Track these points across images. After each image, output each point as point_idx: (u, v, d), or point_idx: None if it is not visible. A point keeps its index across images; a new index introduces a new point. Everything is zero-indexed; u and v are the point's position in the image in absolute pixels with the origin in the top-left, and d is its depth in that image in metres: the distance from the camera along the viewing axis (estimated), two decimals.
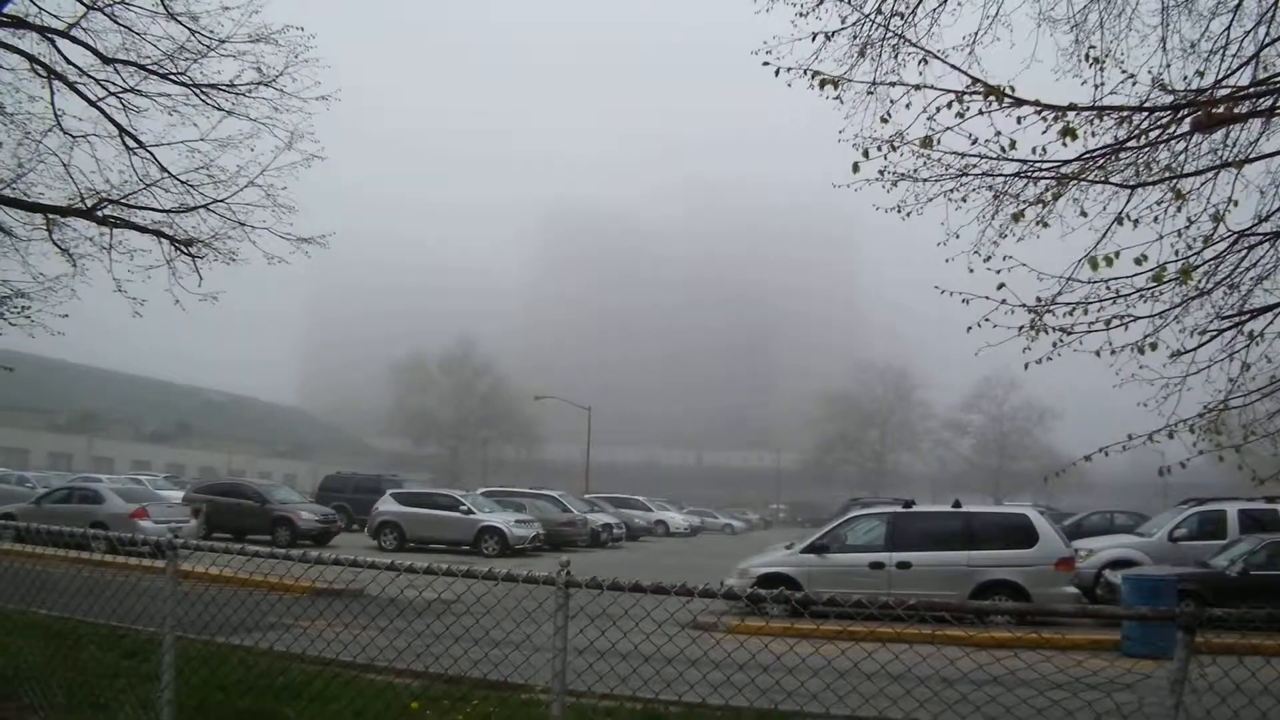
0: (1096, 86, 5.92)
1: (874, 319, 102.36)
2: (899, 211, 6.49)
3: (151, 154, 11.50)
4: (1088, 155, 5.74)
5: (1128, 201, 5.95)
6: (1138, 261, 5.55)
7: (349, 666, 5.83)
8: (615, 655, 4.45)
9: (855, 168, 5.79)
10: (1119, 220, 5.93)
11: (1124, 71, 5.95)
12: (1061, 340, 5.73)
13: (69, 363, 63.61)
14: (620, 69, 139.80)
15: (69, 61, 10.95)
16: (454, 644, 4.79)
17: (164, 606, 4.59)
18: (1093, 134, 5.72)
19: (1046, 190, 5.94)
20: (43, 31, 10.72)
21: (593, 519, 28.20)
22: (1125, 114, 5.68)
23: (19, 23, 10.65)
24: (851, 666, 4.27)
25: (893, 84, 5.92)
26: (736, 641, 8.07)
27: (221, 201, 11.60)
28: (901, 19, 6.24)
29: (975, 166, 5.95)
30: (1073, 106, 5.54)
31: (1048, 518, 12.98)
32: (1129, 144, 5.73)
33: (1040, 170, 5.85)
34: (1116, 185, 5.95)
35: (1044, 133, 5.57)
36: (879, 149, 5.84)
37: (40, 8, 10.69)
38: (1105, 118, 5.66)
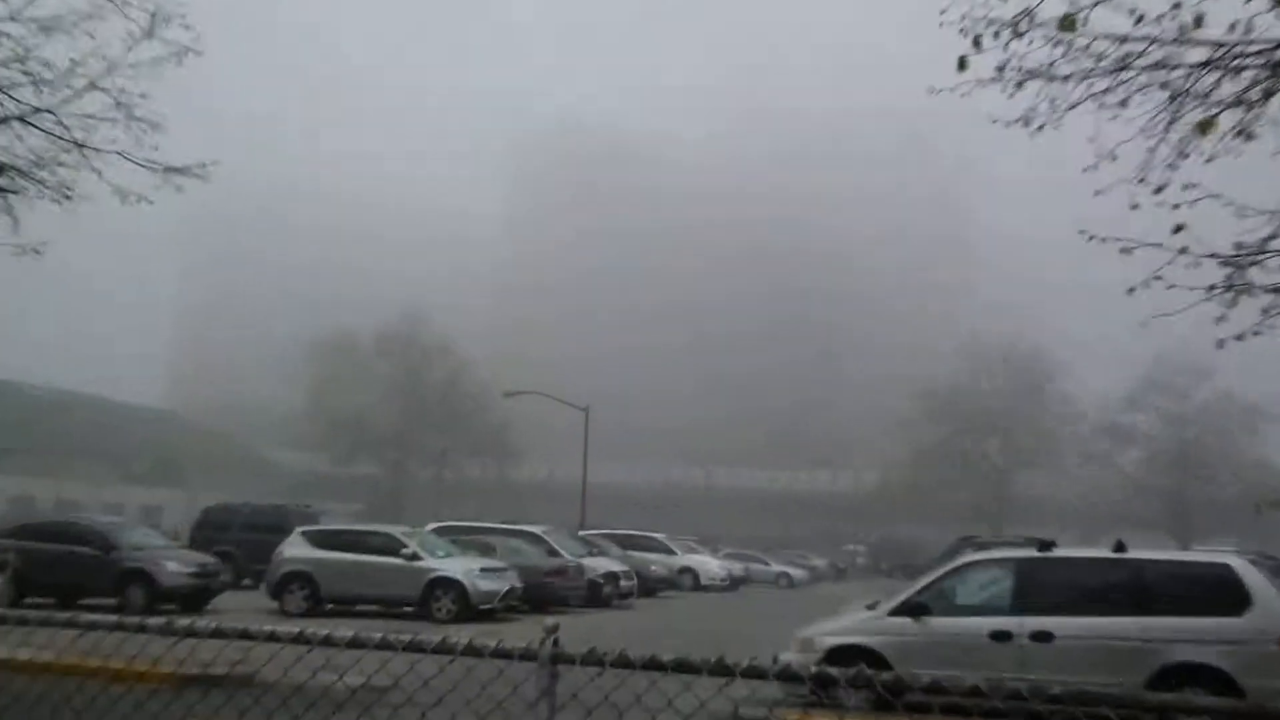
0: None
1: (990, 282, 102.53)
2: (1026, 125, 6.33)
3: None
4: None
5: None
6: None
7: None
8: None
9: (962, 63, 5.63)
10: None
11: None
12: (1277, 306, 5.59)
13: None
14: None
15: None
16: None
17: None
18: None
19: (1252, 86, 5.77)
20: None
21: (591, 565, 28.28)
22: None
23: None
24: None
25: None
26: None
27: (47, 111, 11.40)
28: None
29: (1141, 56, 5.78)
30: None
31: (1265, 570, 12.58)
32: None
33: (1243, 56, 5.68)
34: None
35: (1248, 1, 5.39)
36: (996, 35, 5.68)
37: None
38: None
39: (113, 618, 4.73)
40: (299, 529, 23.81)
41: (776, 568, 52.09)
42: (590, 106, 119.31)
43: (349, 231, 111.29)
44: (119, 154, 11.63)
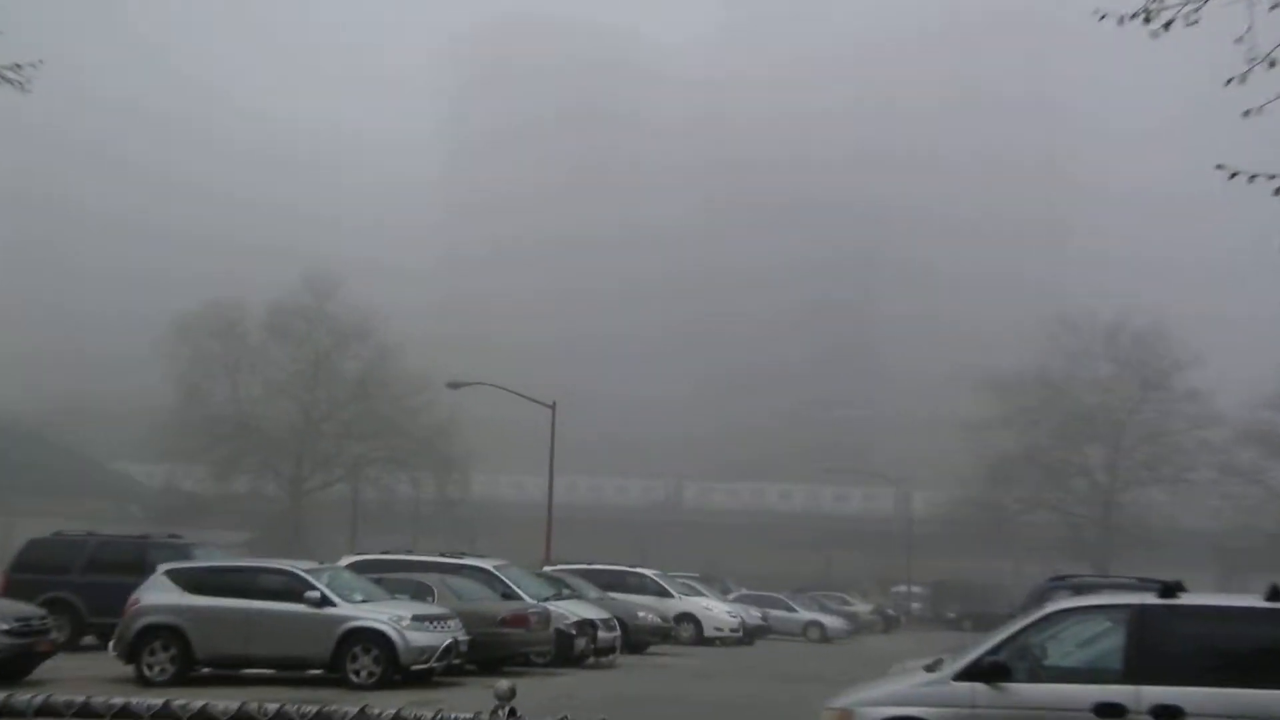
0: None
1: (1089, 240, 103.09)
2: (1147, 21, 6.20)
3: None
4: None
5: None
6: None
7: None
8: None
9: None
10: None
11: None
12: None
13: None
14: None
15: None
16: None
17: None
18: None
19: None
20: None
21: (560, 611, 28.33)
22: None
23: None
24: None
25: None
26: None
27: None
28: None
29: None
30: None
31: None
32: None
33: None
34: None
35: None
36: None
37: None
38: None
39: None
40: (163, 567, 23.64)
41: (805, 615, 52.54)
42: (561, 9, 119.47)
43: (235, 180, 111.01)
44: None
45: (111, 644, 23.05)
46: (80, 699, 4.37)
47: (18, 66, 11.88)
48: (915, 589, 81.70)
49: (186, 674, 21.81)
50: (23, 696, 4.40)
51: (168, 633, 22.08)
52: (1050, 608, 13.79)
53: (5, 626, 21.10)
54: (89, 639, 26.90)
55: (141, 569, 24.60)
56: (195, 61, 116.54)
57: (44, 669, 21.89)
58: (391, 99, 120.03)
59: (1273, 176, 5.80)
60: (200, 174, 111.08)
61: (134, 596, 22.82)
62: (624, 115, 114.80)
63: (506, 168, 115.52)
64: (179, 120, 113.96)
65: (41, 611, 23.08)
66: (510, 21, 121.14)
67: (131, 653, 22.11)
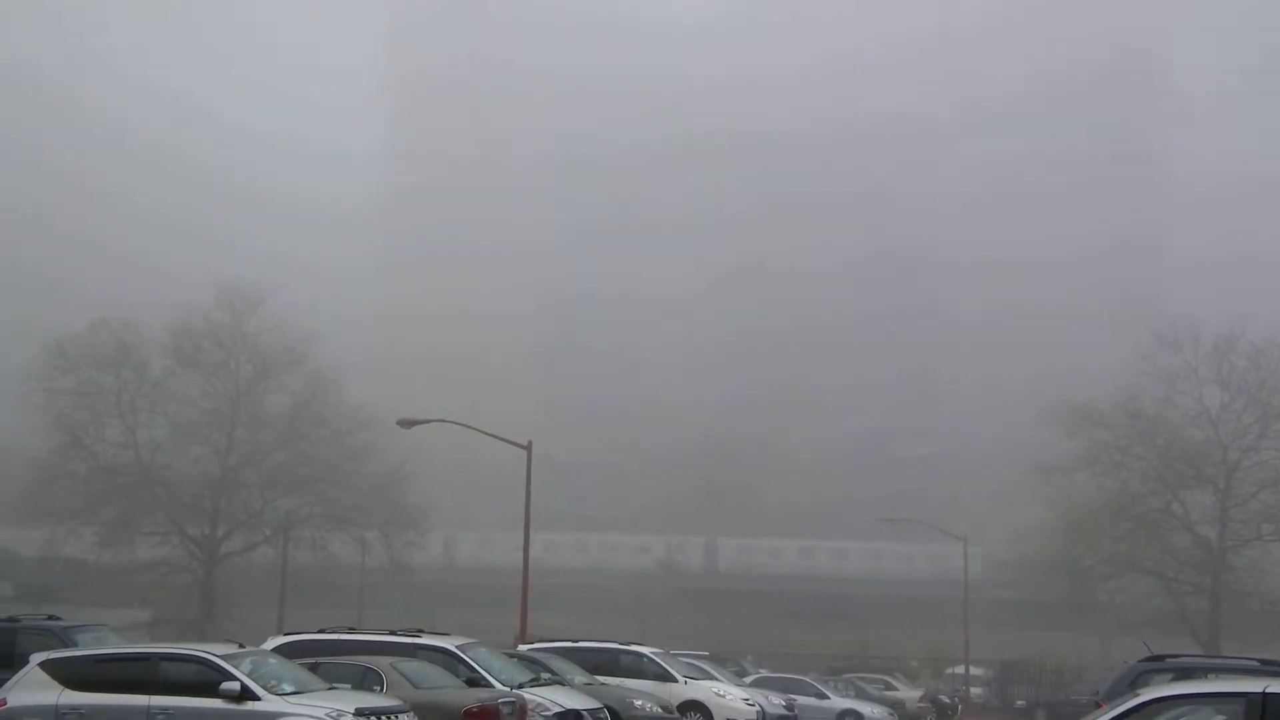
0: None
1: (1189, 239, 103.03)
2: None
3: None
4: None
5: None
6: None
7: None
8: None
9: None
10: None
11: None
12: None
13: None
14: None
15: None
16: None
17: None
18: None
19: None
20: None
21: (538, 701, 28.24)
22: None
23: None
24: None
25: None
26: None
27: None
28: None
29: None
30: None
31: None
32: None
33: None
34: None
35: None
36: None
37: None
38: None
39: None
40: (37, 658, 23.57)
41: (839, 703, 51.95)
42: None
43: (136, 183, 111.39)
44: None
45: None
46: None
47: None
48: (975, 671, 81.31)
49: None
50: None
51: None
52: (1146, 696, 13.75)
53: None
54: None
55: (11, 662, 24.62)
56: (121, 54, 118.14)
57: None
58: (313, 72, 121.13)
59: None
60: (105, 170, 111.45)
61: (4, 694, 22.73)
62: (609, 78, 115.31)
63: (458, 150, 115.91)
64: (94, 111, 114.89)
65: None
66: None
67: None
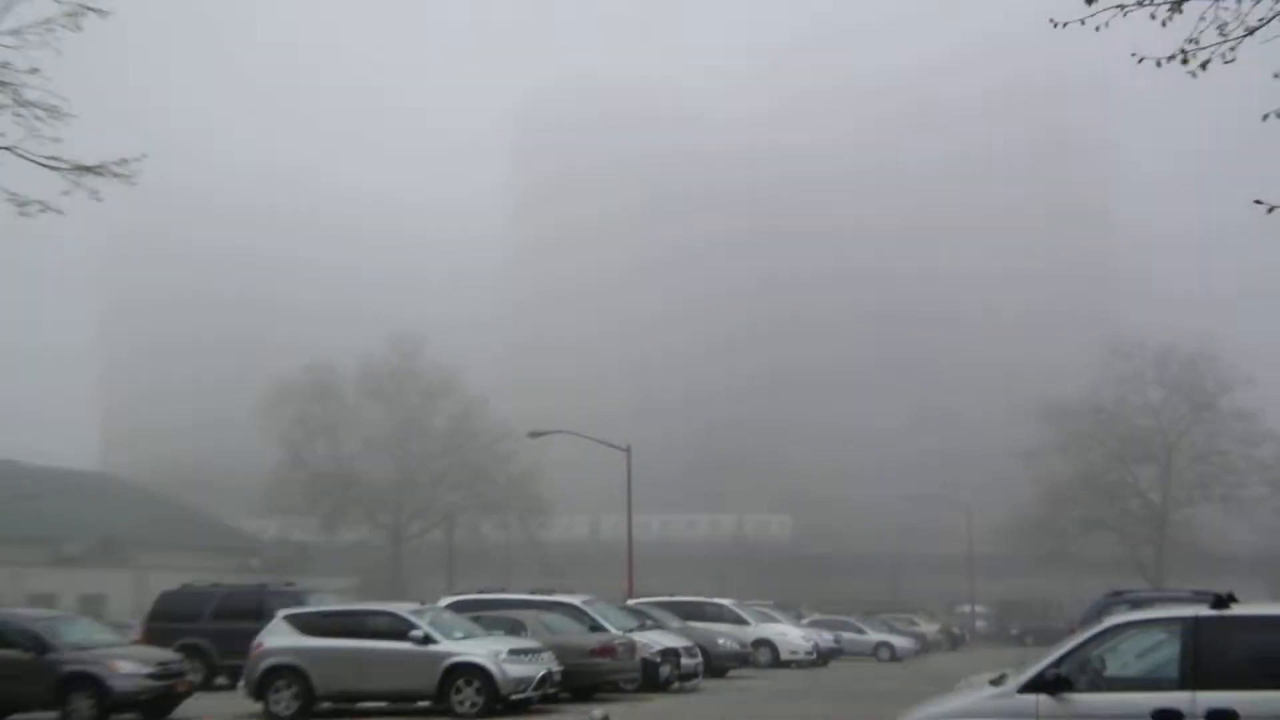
0: None
1: (1139, 270, 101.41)
2: (1185, 61, 6.20)
3: None
4: None
5: None
6: None
7: None
8: None
9: None
10: None
11: None
12: None
13: None
14: None
15: None
16: None
17: None
18: None
19: None
20: None
21: (644, 641, 28.27)
22: None
23: None
24: None
25: None
26: None
27: None
28: None
29: None
30: None
31: None
32: None
33: None
34: None
35: None
36: None
37: None
38: None
39: None
40: (282, 613, 23.97)
41: (875, 637, 51.89)
42: (607, 65, 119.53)
43: (330, 249, 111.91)
44: (5, 150, 11.53)
45: (241, 683, 23.53)
46: None
47: (124, 162, 11.99)
48: (979, 609, 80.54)
49: (309, 709, 22.19)
50: None
51: (289, 672, 22.41)
52: (1109, 622, 13.59)
53: (147, 670, 21.87)
54: (220, 680, 27.24)
55: (262, 615, 24.89)
56: (279, 150, 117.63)
57: (183, 708, 22.62)
58: (456, 165, 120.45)
59: None
60: (275, 248, 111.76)
61: (257, 640, 23.17)
62: (679, 163, 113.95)
63: (567, 216, 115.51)
64: (265, 205, 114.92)
65: (178, 656, 23.83)
66: (562, 86, 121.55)
67: (259, 691, 22.52)
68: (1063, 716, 11.89)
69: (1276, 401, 73.27)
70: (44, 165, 11.51)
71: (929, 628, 63.75)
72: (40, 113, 11.33)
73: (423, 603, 26.53)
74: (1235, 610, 12.39)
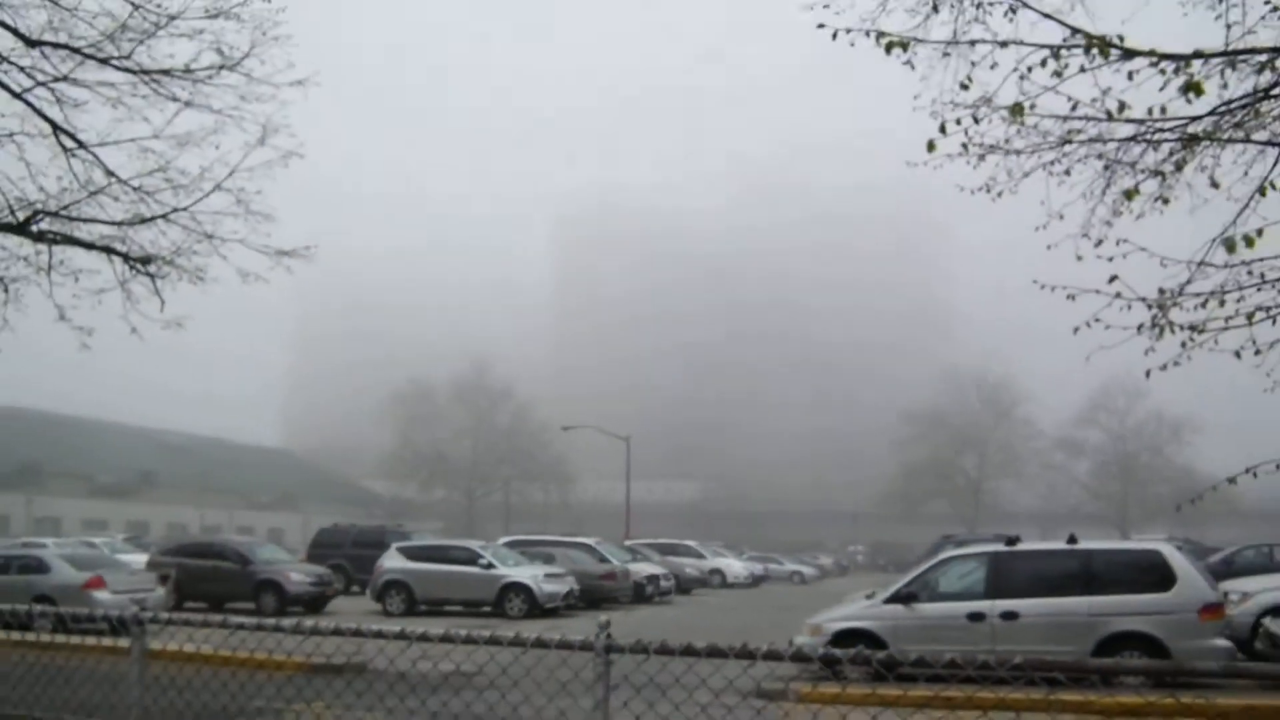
0: (1229, 27, 5.72)
1: (964, 321, 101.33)
2: (988, 191, 6.38)
3: (94, 155, 11.19)
4: (1222, 109, 5.57)
5: (1275, 165, 5.75)
6: None
7: None
8: None
9: (931, 146, 5.68)
10: (1263, 190, 5.73)
11: (1267, 2, 5.65)
12: (1192, 339, 5.53)
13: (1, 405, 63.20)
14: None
15: None
16: None
17: (129, 694, 4.57)
18: (1224, 85, 5.55)
19: (1169, 156, 5.78)
20: None
21: (635, 570, 28.13)
22: (1269, 57, 5.49)
23: None
24: None
25: (973, 42, 5.81)
26: (809, 712, 7.97)
27: (184, 210, 11.45)
28: None
29: (1080, 133, 5.82)
30: (1199, 54, 5.39)
31: (1188, 554, 12.71)
32: (1274, 92, 5.55)
33: (1160, 132, 5.71)
34: (1260, 144, 5.76)
35: (1162, 89, 5.43)
36: (958, 121, 5.74)
37: None
38: (1241, 65, 5.50)
39: (253, 620, 4.86)
40: (395, 545, 23.88)
41: (790, 567, 51.47)
42: (625, 184, 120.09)
43: (430, 300, 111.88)
44: (239, 242, 11.79)
45: (368, 591, 23.40)
46: (354, 625, 4.54)
47: (307, 248, 12.15)
48: (860, 548, 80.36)
49: (412, 610, 22.08)
50: (322, 622, 4.60)
51: (399, 585, 22.38)
52: (941, 556, 13.85)
53: (310, 580, 22.30)
54: (354, 589, 27.10)
55: (383, 546, 24.77)
56: (420, 229, 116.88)
57: (331, 606, 22.61)
58: (523, 247, 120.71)
59: (1064, 287, 5.91)
60: (397, 302, 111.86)
61: (379, 563, 23.09)
62: (669, 251, 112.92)
63: (592, 287, 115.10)
64: (401, 261, 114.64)
65: (329, 571, 23.85)
66: (604, 196, 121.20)
67: (379, 597, 22.49)
68: (911, 618, 12.06)
69: (1050, 411, 74.49)
70: (259, 251, 11.79)
71: (826, 561, 63.28)
72: (260, 218, 11.67)
73: (487, 541, 26.43)
74: (1020, 547, 12.72)
